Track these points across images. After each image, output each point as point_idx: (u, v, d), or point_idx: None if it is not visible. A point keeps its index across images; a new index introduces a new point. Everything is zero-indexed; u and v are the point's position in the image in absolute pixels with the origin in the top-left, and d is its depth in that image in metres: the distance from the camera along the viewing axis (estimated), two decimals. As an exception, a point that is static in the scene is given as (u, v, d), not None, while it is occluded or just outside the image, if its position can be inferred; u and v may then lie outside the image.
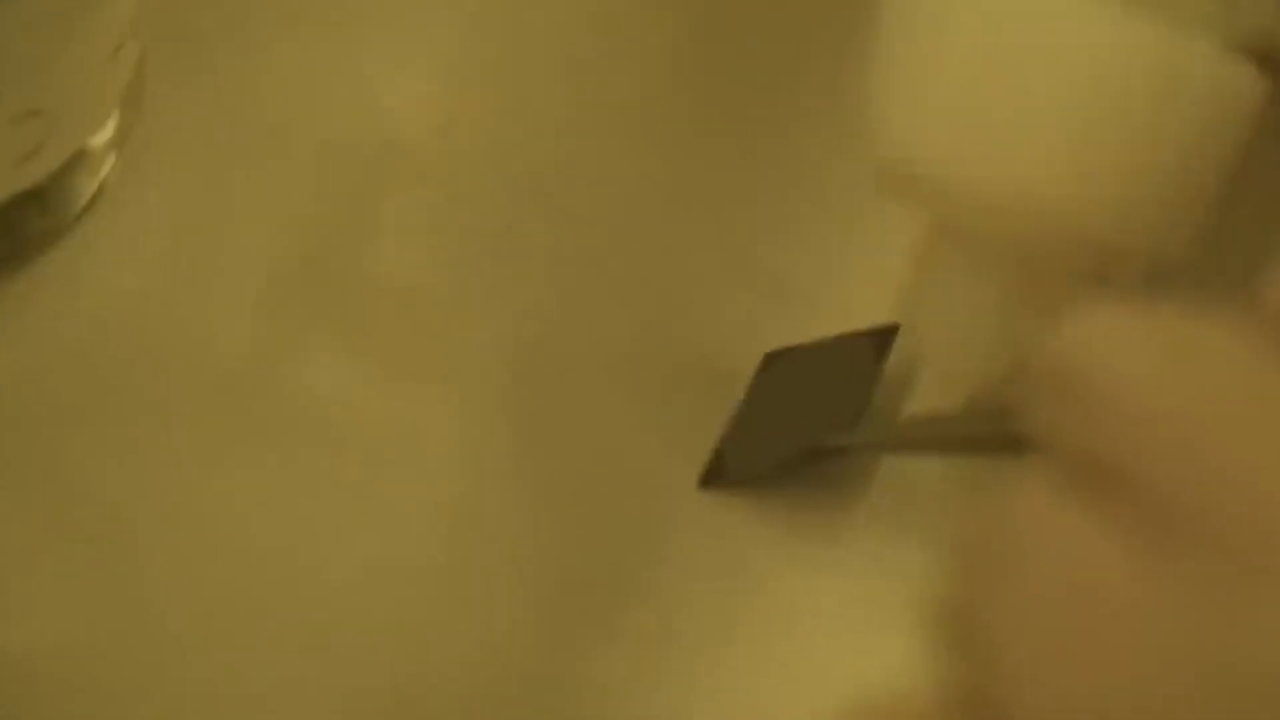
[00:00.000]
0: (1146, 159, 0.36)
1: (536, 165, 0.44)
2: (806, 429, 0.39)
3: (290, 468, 0.40)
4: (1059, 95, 0.36)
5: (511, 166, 0.44)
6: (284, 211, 0.43)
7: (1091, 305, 0.24)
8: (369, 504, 0.40)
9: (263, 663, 0.38)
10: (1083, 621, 0.23)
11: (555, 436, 0.41)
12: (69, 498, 0.39)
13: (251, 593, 0.38)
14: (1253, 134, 0.37)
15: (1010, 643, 0.23)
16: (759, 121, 0.42)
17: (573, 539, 0.40)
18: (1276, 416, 0.23)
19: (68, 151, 0.40)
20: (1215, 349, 0.24)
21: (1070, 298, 0.38)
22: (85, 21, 0.39)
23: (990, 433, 0.35)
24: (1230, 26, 0.37)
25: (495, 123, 0.44)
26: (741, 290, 0.42)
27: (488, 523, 0.40)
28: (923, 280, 0.39)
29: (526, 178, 0.44)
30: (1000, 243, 0.38)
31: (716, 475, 0.40)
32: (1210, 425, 0.23)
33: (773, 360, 0.41)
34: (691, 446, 0.41)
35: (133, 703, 0.37)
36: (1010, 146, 0.36)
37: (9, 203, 0.40)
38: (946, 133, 0.37)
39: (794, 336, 0.41)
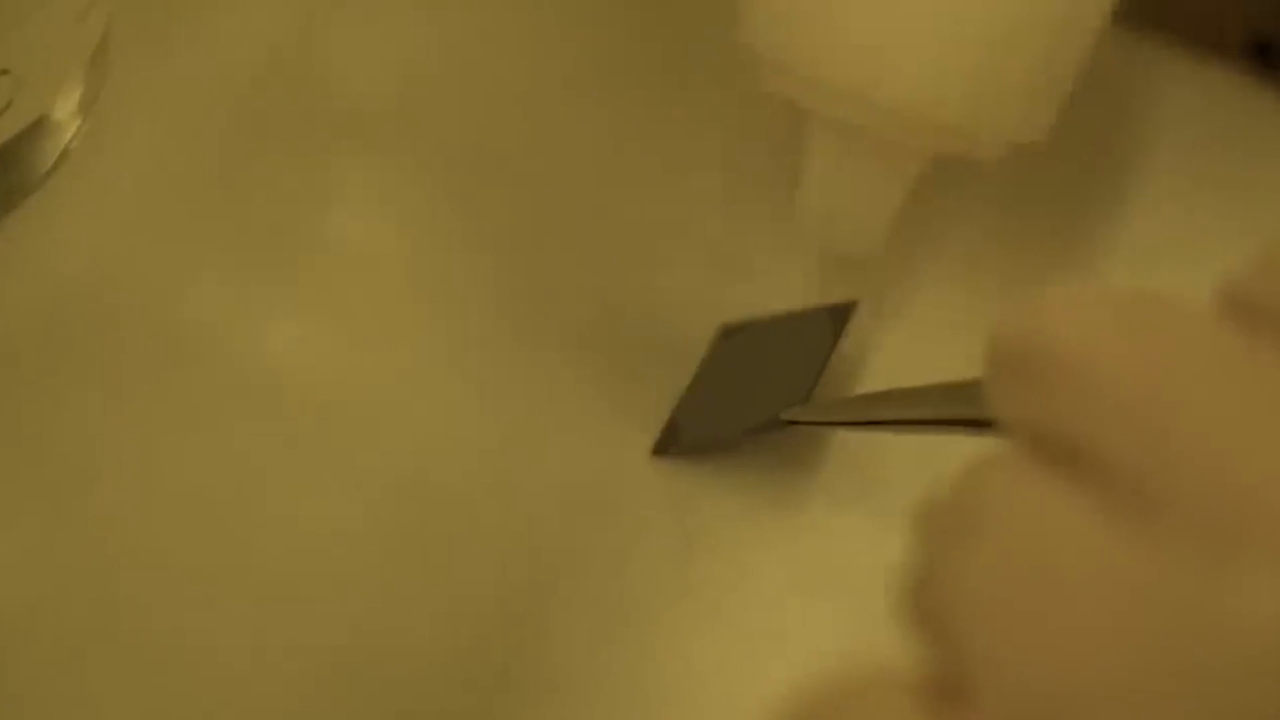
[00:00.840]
0: (1005, 48, 0.38)
1: (497, 135, 0.44)
2: (761, 402, 0.40)
3: (250, 431, 0.40)
4: None
5: (472, 136, 0.44)
6: (246, 178, 0.43)
7: (1054, 288, 0.24)
8: (327, 468, 0.40)
9: (221, 624, 0.38)
10: (1052, 595, 0.23)
11: (512, 404, 0.41)
12: (29, 459, 0.39)
13: (210, 554, 0.39)
14: (1107, 24, 0.39)
15: (977, 619, 0.23)
16: (722, 94, 0.43)
17: (528, 504, 0.40)
18: (1240, 390, 0.23)
19: (33, 114, 0.40)
20: (1179, 325, 0.24)
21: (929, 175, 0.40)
22: (54, -16, 0.39)
23: (945, 412, 0.36)
24: None
25: (456, 92, 0.44)
26: (699, 262, 0.43)
27: (444, 488, 0.40)
28: (805, 169, 0.41)
29: (486, 147, 0.44)
30: (866, 128, 0.39)
31: (670, 444, 0.40)
32: (1176, 400, 0.23)
33: (729, 332, 0.41)
34: (647, 416, 0.41)
35: (91, 662, 0.37)
36: (872, 37, 0.38)
37: (-28, 164, 0.40)
38: (812, 23, 0.38)
39: (751, 309, 0.41)
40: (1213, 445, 0.23)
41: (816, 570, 0.39)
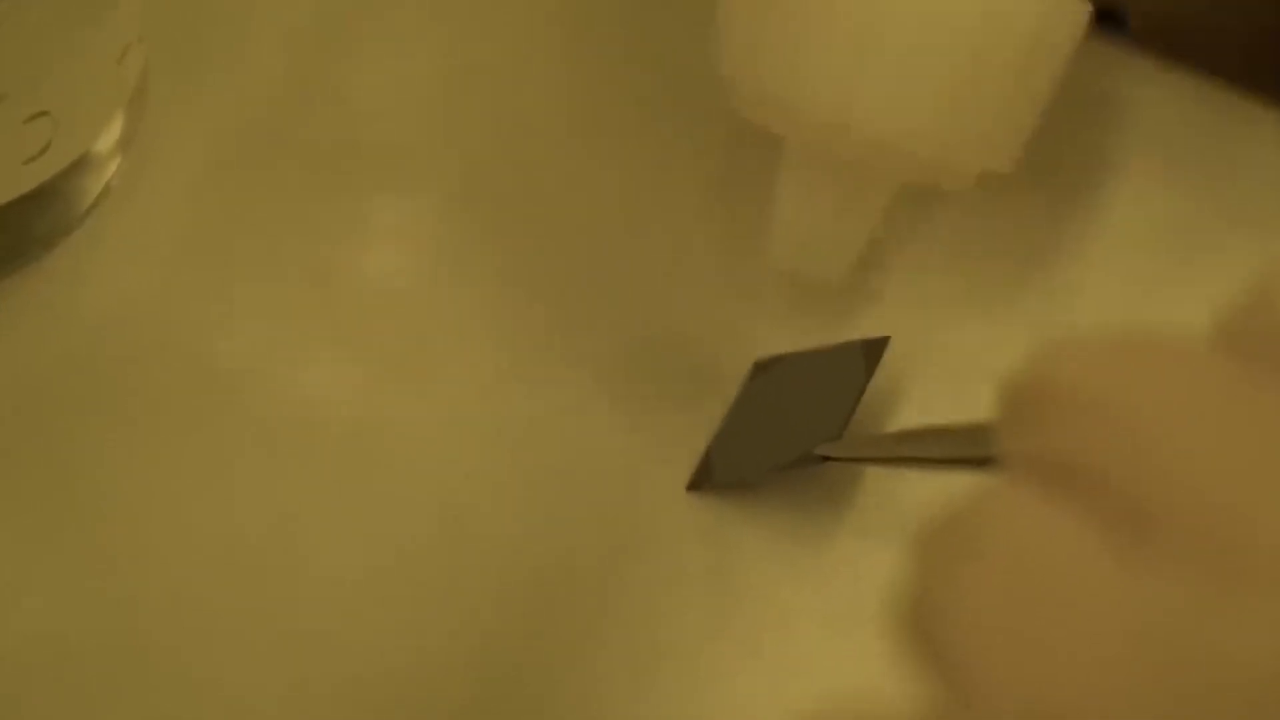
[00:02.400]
0: (973, 81, 0.39)
1: (529, 172, 0.44)
2: (795, 437, 0.40)
3: (282, 470, 0.40)
4: (889, 21, 0.39)
5: (502, 172, 0.44)
6: (283, 216, 0.43)
7: (1067, 337, 0.24)
8: (360, 507, 0.40)
9: (248, 664, 0.38)
10: (1048, 620, 0.22)
11: (545, 440, 0.41)
12: (68, 498, 0.39)
13: (239, 593, 0.39)
14: (1075, 53, 0.40)
15: (972, 642, 0.23)
16: (750, 129, 0.43)
17: (561, 541, 0.40)
18: (1236, 418, 0.23)
19: (74, 153, 0.41)
20: (1175, 356, 0.24)
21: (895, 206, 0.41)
22: (93, 24, 0.39)
23: (975, 450, 0.36)
24: None
25: (487, 128, 0.45)
26: (732, 297, 0.43)
27: (476, 525, 0.40)
28: (778, 198, 0.41)
29: (517, 183, 0.44)
30: (840, 158, 0.40)
31: (705, 480, 0.40)
32: (1173, 427, 0.23)
33: (762, 367, 0.41)
34: (680, 451, 0.41)
35: (116, 700, 0.37)
36: (842, 68, 0.39)
37: (15, 203, 0.40)
38: (784, 54, 0.39)
39: (784, 344, 0.42)
40: (1209, 471, 0.23)
41: (851, 606, 0.39)
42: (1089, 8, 0.40)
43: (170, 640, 0.38)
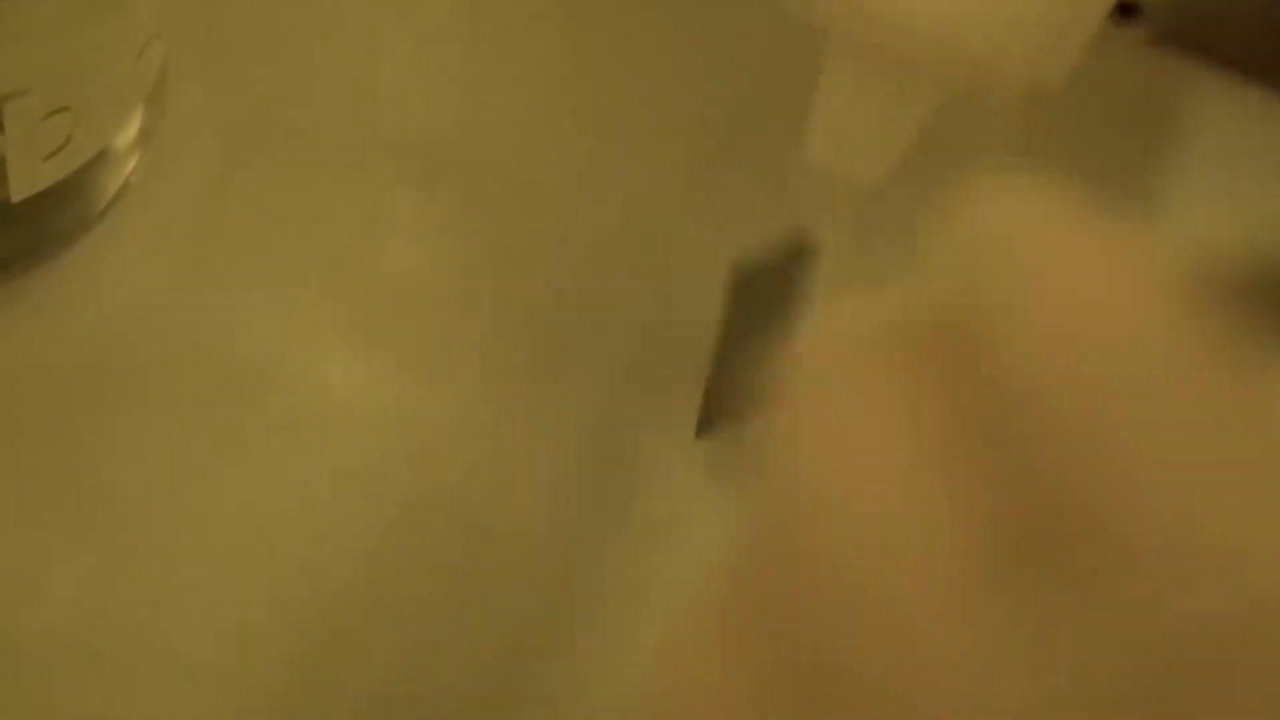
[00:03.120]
0: None
1: (547, 167, 0.44)
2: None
3: (305, 461, 0.40)
4: None
5: (524, 169, 0.44)
6: (302, 210, 0.43)
7: (1004, 181, 0.23)
8: (381, 501, 0.40)
9: (271, 657, 0.38)
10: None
11: (566, 432, 0.41)
12: (89, 490, 0.40)
13: (262, 586, 0.39)
14: None
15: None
16: (759, 123, 0.43)
17: (580, 531, 0.40)
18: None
19: (93, 149, 0.41)
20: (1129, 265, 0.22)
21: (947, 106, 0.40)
22: (112, 21, 0.39)
23: None
24: None
25: (508, 127, 0.45)
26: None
27: (496, 513, 0.40)
28: (821, 92, 0.40)
29: (537, 179, 0.44)
30: (888, 53, 0.39)
31: (712, 421, 0.40)
32: (1112, 372, 0.21)
33: (738, 284, 0.40)
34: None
35: (141, 693, 0.37)
36: None
37: (35, 198, 0.40)
38: None
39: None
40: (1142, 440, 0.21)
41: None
42: None
43: (190, 632, 0.38)
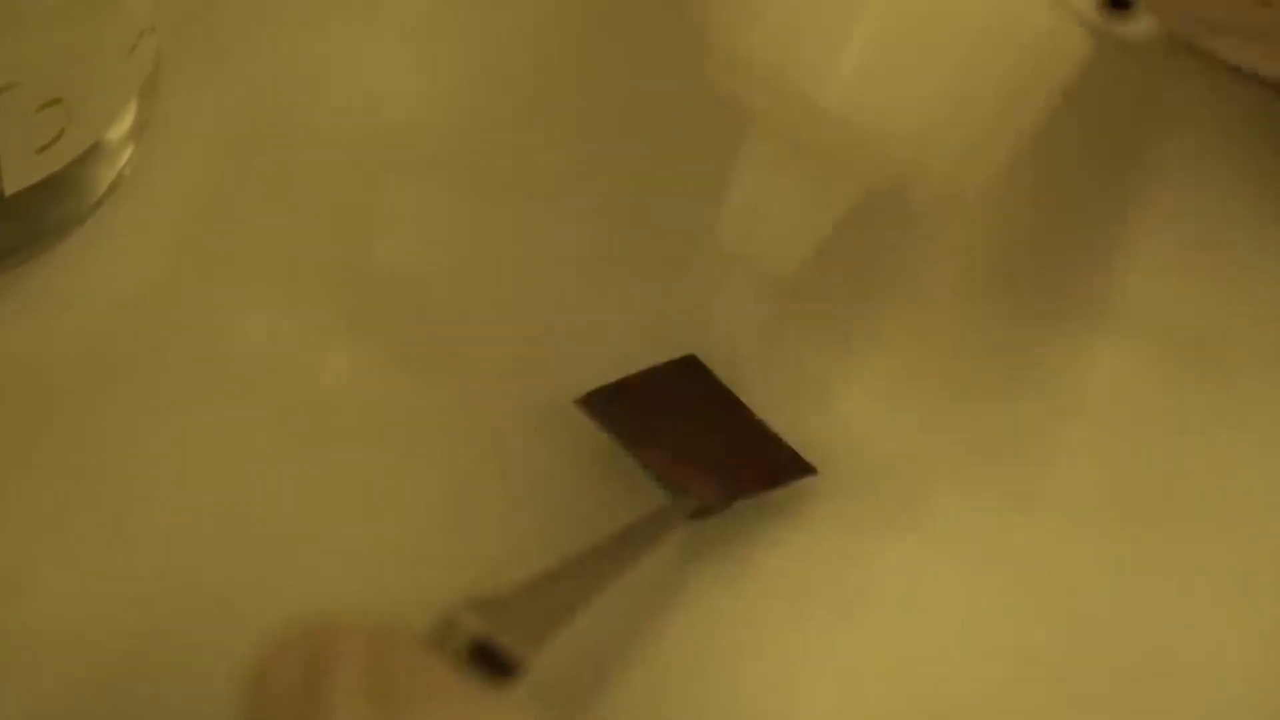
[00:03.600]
0: (960, 91, 0.38)
1: (545, 160, 0.44)
2: None
3: (298, 456, 0.40)
4: (883, 11, 0.37)
5: (520, 161, 0.44)
6: (297, 202, 0.43)
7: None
8: (375, 493, 0.40)
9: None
10: None
11: (559, 427, 0.41)
12: (82, 483, 0.40)
13: (256, 579, 0.39)
14: (1070, 91, 0.39)
15: None
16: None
17: (577, 529, 0.40)
18: None
19: (87, 141, 0.41)
20: None
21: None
22: (106, 12, 0.39)
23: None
24: None
25: (505, 118, 0.45)
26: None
27: (489, 507, 0.40)
28: (736, 174, 0.40)
29: (534, 170, 0.44)
30: (809, 141, 0.38)
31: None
32: None
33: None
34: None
35: (134, 685, 0.37)
36: (832, 49, 0.37)
37: (28, 191, 0.40)
38: (771, 19, 0.38)
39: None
40: None
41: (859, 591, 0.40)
42: (1091, 44, 0.38)
43: (186, 623, 0.38)
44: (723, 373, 0.42)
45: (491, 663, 0.33)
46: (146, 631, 0.38)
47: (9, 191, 0.40)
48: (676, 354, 0.42)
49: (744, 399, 0.41)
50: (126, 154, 0.43)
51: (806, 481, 0.40)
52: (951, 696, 0.38)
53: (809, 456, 0.41)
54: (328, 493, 0.40)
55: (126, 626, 0.38)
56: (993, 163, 0.39)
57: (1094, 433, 0.42)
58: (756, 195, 0.39)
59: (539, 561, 0.37)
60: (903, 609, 0.39)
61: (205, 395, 0.41)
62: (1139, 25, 0.39)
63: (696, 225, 0.43)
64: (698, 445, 0.40)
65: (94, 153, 0.41)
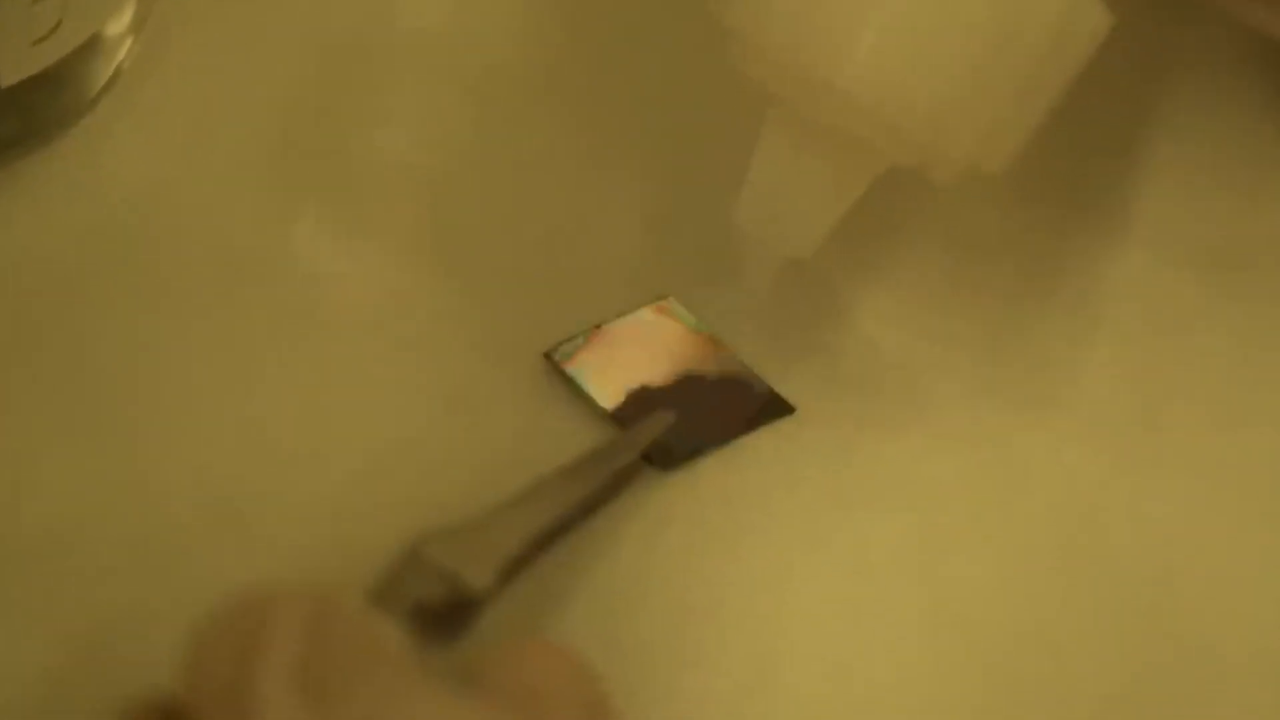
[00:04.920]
0: (979, 70, 0.37)
1: (547, 57, 0.44)
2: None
3: (296, 347, 0.40)
4: None
5: (522, 57, 0.44)
6: (294, 97, 0.43)
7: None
8: (375, 386, 0.40)
9: (259, 546, 0.38)
10: None
11: (548, 316, 0.41)
12: (80, 377, 0.39)
13: (251, 475, 0.39)
14: (1088, 66, 0.38)
15: None
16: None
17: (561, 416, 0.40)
18: None
19: (84, 34, 0.41)
20: None
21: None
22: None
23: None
24: None
25: (507, 15, 0.44)
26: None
27: (480, 396, 0.40)
28: (757, 158, 0.39)
29: (536, 68, 0.44)
30: (828, 125, 0.38)
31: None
32: None
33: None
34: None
35: (130, 581, 0.37)
36: (849, 33, 0.37)
37: (24, 84, 0.40)
38: (789, 9, 0.37)
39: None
40: None
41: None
42: (1112, 19, 0.38)
43: (188, 521, 0.38)
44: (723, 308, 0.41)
45: (448, 611, 0.34)
46: (144, 526, 0.38)
47: (6, 83, 0.40)
48: (671, 249, 0.41)
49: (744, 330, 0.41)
50: (125, 48, 0.42)
51: (814, 376, 0.40)
52: (953, 588, 0.38)
53: (814, 358, 0.40)
54: (328, 386, 0.40)
55: (129, 525, 0.38)
56: (1014, 141, 0.39)
57: (1106, 339, 0.42)
58: (776, 178, 0.39)
59: (539, 450, 0.37)
60: (905, 504, 0.39)
61: (207, 288, 0.41)
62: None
63: (697, 129, 0.43)
64: (668, 394, 0.40)
65: (92, 46, 0.41)
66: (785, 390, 0.40)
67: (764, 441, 0.40)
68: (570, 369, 0.40)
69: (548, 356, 0.40)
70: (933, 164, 0.39)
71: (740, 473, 0.39)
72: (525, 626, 0.36)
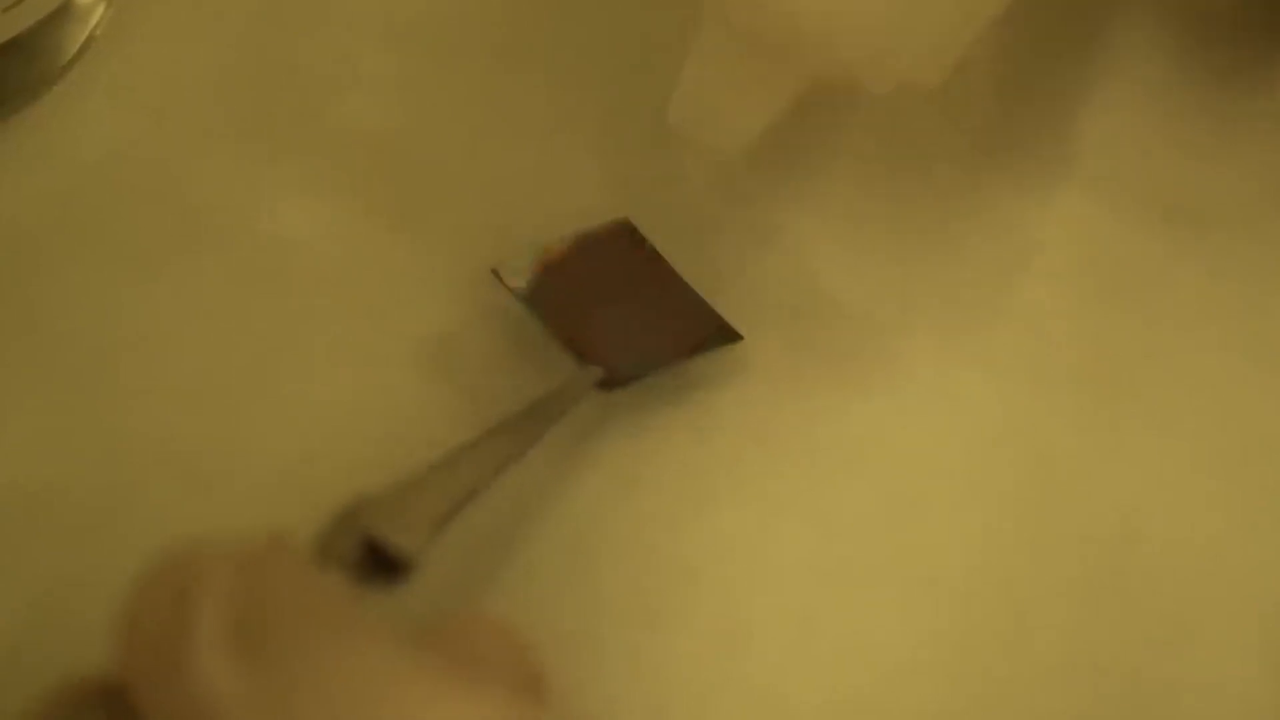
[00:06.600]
0: None
1: (515, 24, 0.44)
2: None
3: (265, 313, 0.40)
4: None
5: (491, 31, 0.44)
6: (267, 63, 0.43)
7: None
8: (342, 348, 0.40)
9: (229, 507, 0.38)
10: None
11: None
12: (50, 342, 0.40)
13: (220, 436, 0.39)
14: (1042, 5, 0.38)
15: None
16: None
17: (544, 378, 0.40)
18: None
19: (54, 2, 0.41)
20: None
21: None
22: None
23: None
24: None
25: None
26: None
27: (453, 361, 0.40)
28: (690, 60, 0.39)
29: (505, 35, 0.44)
30: (763, 40, 0.38)
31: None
32: None
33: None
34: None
35: (98, 544, 0.37)
36: None
37: (-4, 51, 0.40)
38: None
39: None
40: None
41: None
42: None
43: (150, 480, 0.38)
44: (680, 236, 0.41)
45: (383, 564, 0.33)
46: (112, 488, 0.38)
47: (-25, 51, 0.40)
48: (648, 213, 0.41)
49: (699, 260, 0.41)
50: (97, 14, 0.42)
51: (780, 333, 0.40)
52: (923, 540, 0.38)
53: (772, 309, 0.40)
54: (295, 348, 0.40)
55: (92, 483, 0.38)
56: (953, 53, 0.38)
57: (1065, 291, 0.42)
58: (704, 79, 0.39)
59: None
60: (872, 459, 0.39)
61: (174, 254, 0.41)
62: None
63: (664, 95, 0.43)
64: (615, 314, 0.40)
65: (63, 14, 0.41)
66: (734, 319, 0.40)
67: (727, 397, 0.40)
68: (515, 286, 0.40)
69: (495, 273, 0.40)
70: (868, 79, 0.38)
71: (704, 431, 0.39)
72: (481, 585, 0.37)
